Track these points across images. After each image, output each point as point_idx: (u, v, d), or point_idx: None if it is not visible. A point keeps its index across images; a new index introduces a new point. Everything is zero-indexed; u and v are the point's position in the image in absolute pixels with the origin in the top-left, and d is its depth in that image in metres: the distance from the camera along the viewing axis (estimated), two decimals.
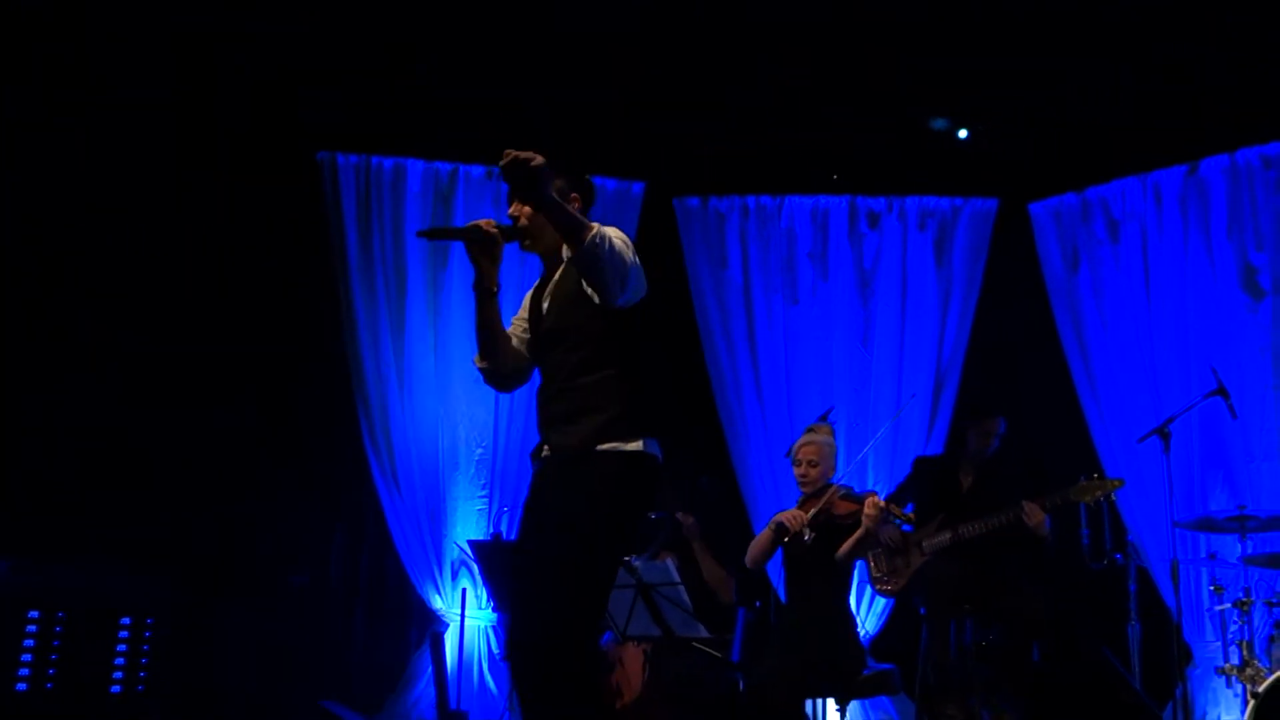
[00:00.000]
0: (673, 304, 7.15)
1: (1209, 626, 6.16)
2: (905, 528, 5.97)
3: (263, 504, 6.64)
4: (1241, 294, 6.57)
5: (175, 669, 5.74)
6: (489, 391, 6.79)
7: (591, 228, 3.21)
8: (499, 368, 3.60)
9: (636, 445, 3.36)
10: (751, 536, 6.41)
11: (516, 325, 3.68)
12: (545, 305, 3.57)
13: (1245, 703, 5.37)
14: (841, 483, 5.35)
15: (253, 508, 6.60)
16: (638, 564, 5.15)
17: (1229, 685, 5.72)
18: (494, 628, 6.80)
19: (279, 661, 6.48)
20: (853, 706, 5.66)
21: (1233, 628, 5.50)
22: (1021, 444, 6.17)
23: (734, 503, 7.17)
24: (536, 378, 3.63)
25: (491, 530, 6.79)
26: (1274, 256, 6.51)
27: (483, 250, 3.47)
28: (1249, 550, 5.66)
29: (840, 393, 7.20)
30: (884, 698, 6.25)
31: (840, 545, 5.13)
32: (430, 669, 6.52)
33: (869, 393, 7.26)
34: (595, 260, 3.20)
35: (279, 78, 6.48)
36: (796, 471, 5.38)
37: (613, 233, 3.29)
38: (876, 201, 7.43)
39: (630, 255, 3.30)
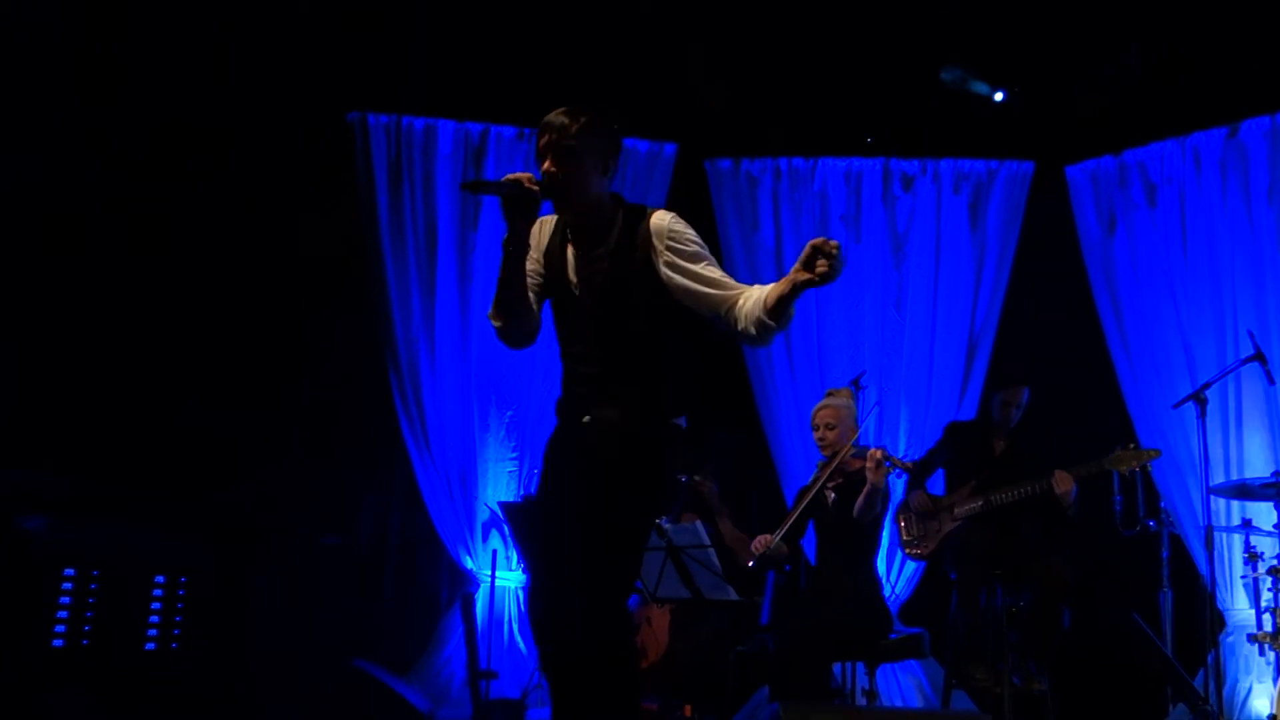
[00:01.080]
0: None
1: (1242, 594, 6.11)
2: (935, 492, 6.01)
3: (295, 465, 6.68)
4: None
5: (208, 628, 5.80)
6: (520, 353, 6.91)
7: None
8: (515, 327, 3.50)
9: (675, 420, 3.42)
10: (781, 501, 6.45)
11: (530, 279, 3.51)
12: (580, 268, 3.44)
13: (1278, 670, 5.36)
14: (864, 445, 5.43)
15: (285, 468, 6.64)
16: (667, 526, 5.16)
17: (1262, 652, 5.68)
18: (524, 589, 6.83)
19: (310, 621, 6.53)
20: (882, 670, 5.66)
21: (1266, 595, 5.46)
22: (1051, 411, 6.11)
23: (764, 467, 7.16)
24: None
25: (522, 492, 6.80)
26: None
27: (519, 207, 3.33)
28: None
29: (871, 356, 7.16)
30: (913, 661, 6.25)
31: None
32: (461, 629, 6.56)
33: (901, 357, 7.21)
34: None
35: (308, 35, 6.45)
36: (815, 435, 5.52)
37: None
38: (910, 164, 7.35)
39: None
